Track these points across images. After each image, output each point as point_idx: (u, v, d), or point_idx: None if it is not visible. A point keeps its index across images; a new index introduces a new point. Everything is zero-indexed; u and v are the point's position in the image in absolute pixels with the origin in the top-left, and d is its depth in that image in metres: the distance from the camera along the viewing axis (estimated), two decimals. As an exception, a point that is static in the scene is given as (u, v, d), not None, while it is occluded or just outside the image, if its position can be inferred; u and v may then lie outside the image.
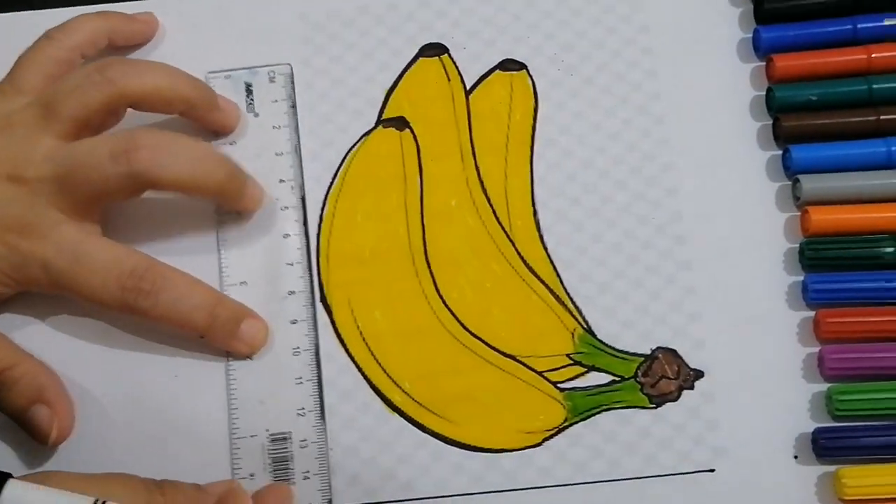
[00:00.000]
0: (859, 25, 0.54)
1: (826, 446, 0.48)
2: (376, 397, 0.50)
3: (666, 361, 0.50)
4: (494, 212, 0.53)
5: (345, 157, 0.54)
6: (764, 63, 0.55)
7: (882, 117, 0.53)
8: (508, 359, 0.50)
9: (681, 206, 0.53)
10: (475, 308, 0.51)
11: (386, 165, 0.54)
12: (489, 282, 0.52)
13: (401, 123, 0.54)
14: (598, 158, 0.54)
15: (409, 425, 0.50)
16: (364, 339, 0.51)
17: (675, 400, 0.50)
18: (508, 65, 0.56)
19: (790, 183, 0.53)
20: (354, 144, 0.54)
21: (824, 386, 0.50)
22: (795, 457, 0.49)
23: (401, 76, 0.55)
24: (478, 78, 0.55)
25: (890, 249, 0.51)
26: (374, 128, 0.54)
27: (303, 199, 0.53)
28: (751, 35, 0.56)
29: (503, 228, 0.53)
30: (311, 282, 0.52)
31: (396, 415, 0.50)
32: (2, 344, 0.49)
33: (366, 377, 0.50)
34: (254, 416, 0.50)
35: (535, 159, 0.54)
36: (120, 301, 0.48)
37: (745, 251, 0.52)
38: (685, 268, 0.52)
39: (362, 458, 0.49)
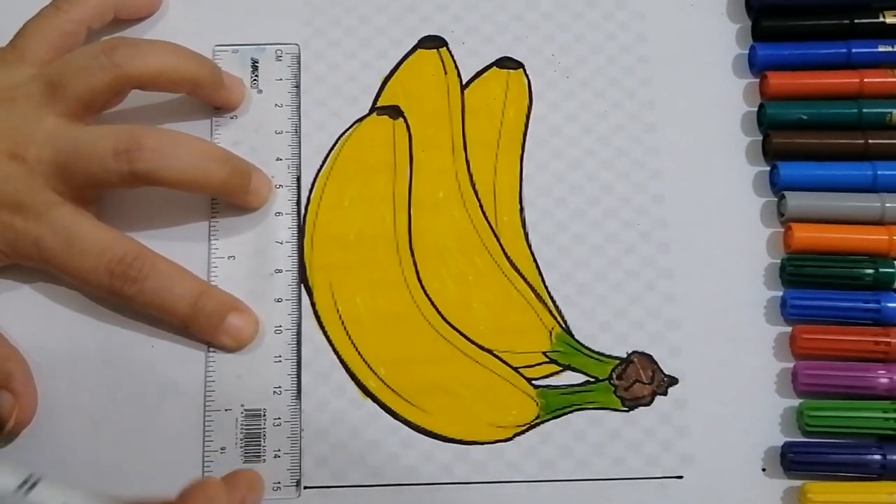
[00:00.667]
0: (854, 50, 0.54)
1: (794, 460, 0.47)
2: (351, 382, 0.49)
3: (641, 366, 0.49)
4: (481, 206, 0.52)
5: (336, 141, 0.53)
6: (758, 80, 0.55)
7: (870, 141, 0.53)
8: (485, 352, 0.49)
9: (666, 214, 0.52)
10: (455, 300, 0.50)
11: (377, 152, 0.53)
12: (471, 275, 0.51)
13: (395, 112, 0.53)
14: (587, 161, 0.53)
15: (382, 412, 0.49)
16: (343, 323, 0.50)
17: (648, 405, 0.49)
18: (506, 63, 0.55)
19: (776, 199, 0.52)
20: (347, 129, 0.53)
21: (796, 401, 0.49)
22: (763, 469, 0.48)
23: (398, 65, 0.54)
24: (474, 73, 0.55)
25: (869, 271, 0.50)
26: (368, 114, 0.53)
27: (298, 180, 0.52)
28: (747, 51, 0.55)
29: (489, 223, 0.52)
30: (300, 262, 0.51)
31: (370, 400, 0.49)
32: None
33: (342, 361, 0.49)
34: (230, 390, 0.49)
35: (526, 157, 0.53)
36: (107, 286, 0.48)
37: (727, 263, 0.51)
38: (666, 275, 0.51)
39: (333, 440, 0.48)
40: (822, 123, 0.53)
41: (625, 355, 0.50)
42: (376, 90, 0.54)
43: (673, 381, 0.49)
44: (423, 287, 0.50)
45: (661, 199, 0.52)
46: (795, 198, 0.51)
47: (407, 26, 0.55)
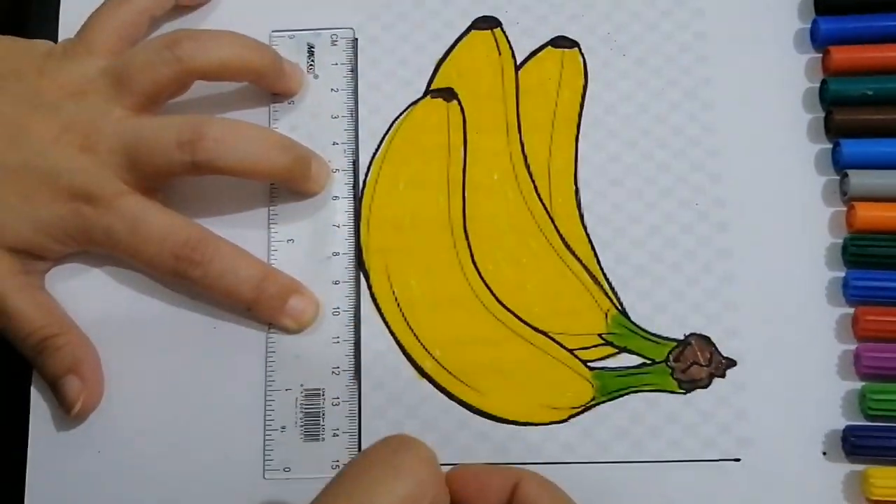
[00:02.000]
0: None
1: (856, 444, 0.44)
2: (407, 363, 0.47)
3: (699, 348, 0.47)
4: (536, 188, 0.50)
5: (391, 125, 0.51)
6: (820, 55, 0.51)
7: (931, 114, 0.49)
8: (540, 334, 0.47)
9: (724, 194, 0.49)
10: (510, 282, 0.48)
11: (431, 135, 0.50)
12: (526, 257, 0.48)
13: (449, 94, 0.51)
14: (643, 140, 0.50)
15: (438, 392, 0.47)
16: (399, 305, 0.48)
17: (706, 387, 0.46)
18: (560, 42, 0.52)
19: (838, 177, 0.49)
20: (402, 113, 0.51)
21: (858, 384, 0.46)
22: (824, 453, 0.45)
23: (452, 47, 0.52)
24: (528, 53, 0.52)
25: None
26: (423, 97, 0.51)
27: (354, 164, 0.51)
28: (809, 25, 0.52)
29: (543, 205, 0.49)
30: (357, 245, 0.49)
31: (425, 381, 0.47)
32: (52, 311, 0.48)
33: (398, 342, 0.47)
34: (289, 371, 0.47)
35: (581, 138, 0.50)
36: (172, 269, 0.48)
37: (787, 243, 0.48)
38: (725, 256, 0.48)
39: (389, 420, 0.46)
40: (888, 99, 0.50)
41: (682, 337, 0.47)
42: (430, 73, 0.52)
43: (731, 363, 0.46)
44: (477, 269, 0.48)
45: (719, 177, 0.49)
46: (859, 176, 0.48)
47: (460, 8, 0.53)
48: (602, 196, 0.49)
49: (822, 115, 0.50)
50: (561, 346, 0.47)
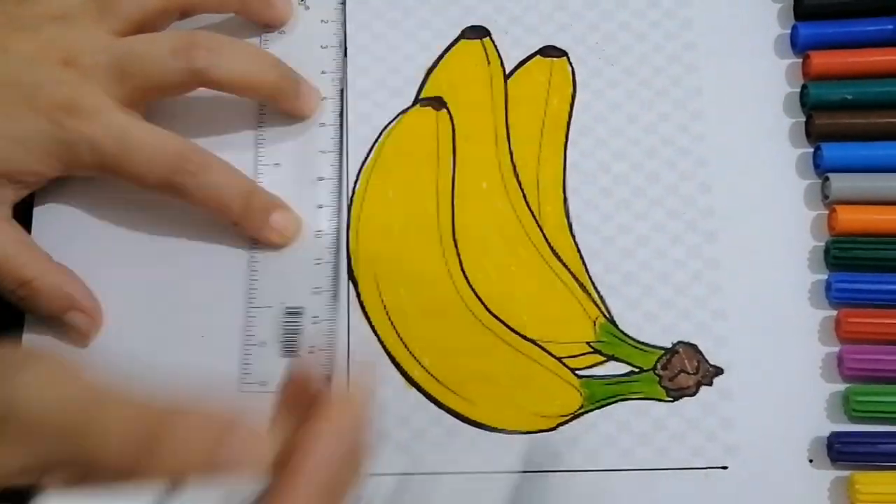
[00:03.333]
0: None
1: (841, 451, 0.43)
2: (396, 371, 0.45)
3: (686, 356, 0.45)
4: (525, 196, 0.47)
5: (381, 133, 0.48)
6: (801, 60, 0.49)
7: (917, 120, 0.47)
8: (529, 342, 0.45)
9: (713, 203, 0.47)
10: (499, 290, 0.46)
11: (420, 144, 0.48)
12: (514, 265, 0.46)
13: (438, 103, 0.48)
14: (632, 150, 0.48)
15: (427, 401, 0.44)
16: (388, 314, 0.45)
17: (693, 395, 0.44)
18: (549, 51, 0.49)
19: (820, 181, 0.47)
20: (391, 121, 0.48)
21: (843, 386, 0.44)
22: (810, 460, 0.43)
23: (441, 56, 0.49)
24: (518, 62, 0.49)
25: None
26: (412, 106, 0.48)
27: (341, 92, 0.49)
28: (789, 31, 0.49)
29: (532, 214, 0.47)
30: (340, 171, 0.47)
31: (414, 389, 0.44)
32: (27, 252, 0.45)
33: (387, 351, 0.45)
34: (271, 289, 0.45)
35: (570, 147, 0.48)
36: (166, 181, 0.44)
37: (771, 249, 0.46)
38: (713, 265, 0.46)
39: (378, 429, 0.43)
40: (867, 103, 0.48)
41: (669, 345, 0.45)
42: (420, 82, 0.49)
43: (718, 371, 0.44)
44: (466, 278, 0.46)
45: (708, 187, 0.47)
46: (840, 179, 0.46)
47: (450, 18, 0.50)
48: (591, 205, 0.47)
49: (804, 119, 0.48)
50: (549, 354, 0.45)
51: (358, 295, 0.46)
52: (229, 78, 0.45)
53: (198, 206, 0.45)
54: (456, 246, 0.46)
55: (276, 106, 0.48)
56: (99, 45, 0.44)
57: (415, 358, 0.45)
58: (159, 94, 0.46)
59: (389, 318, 0.45)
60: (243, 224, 0.46)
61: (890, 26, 0.48)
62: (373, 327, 0.45)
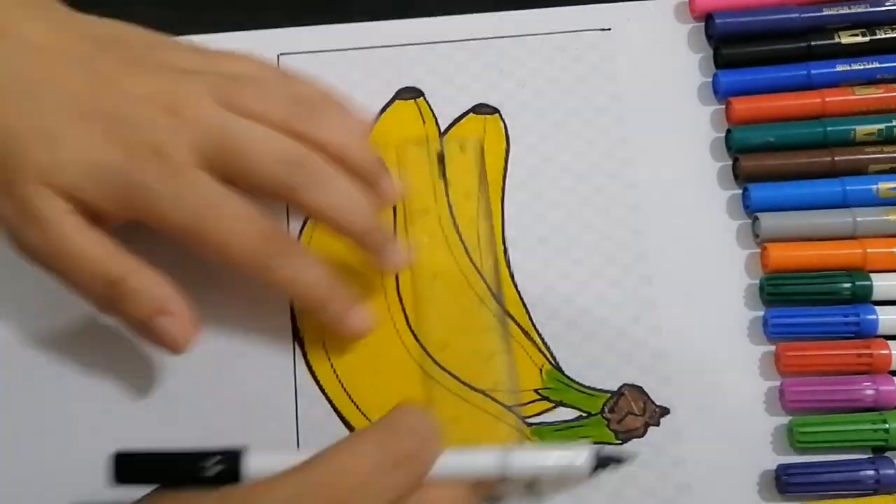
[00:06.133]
0: (813, 71, 0.47)
1: (789, 482, 0.40)
2: (345, 429, 0.41)
3: (632, 398, 0.42)
4: (466, 249, 0.44)
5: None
6: (723, 106, 0.47)
7: (836, 158, 0.45)
8: (477, 393, 0.42)
9: (647, 246, 0.45)
10: (445, 342, 0.43)
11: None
12: (459, 317, 0.43)
13: (375, 163, 0.46)
14: (566, 199, 0.45)
15: (379, 458, 0.41)
16: (335, 372, 0.42)
17: (641, 436, 0.41)
18: (482, 109, 0.47)
19: (750, 221, 0.45)
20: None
21: (786, 419, 0.41)
22: (760, 493, 0.40)
23: (377, 117, 0.47)
24: (452, 120, 0.47)
25: (847, 285, 0.43)
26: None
27: None
28: (710, 79, 0.48)
29: (474, 265, 0.44)
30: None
31: (366, 447, 0.41)
32: (115, 254, 0.39)
33: (335, 409, 0.41)
34: None
35: (507, 199, 0.46)
36: (257, 253, 0.39)
37: (707, 288, 0.44)
38: (650, 307, 0.43)
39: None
40: (789, 144, 0.46)
41: (615, 388, 0.42)
42: (358, 142, 0.46)
43: (665, 411, 0.42)
44: (412, 332, 0.43)
45: (641, 232, 0.45)
46: (768, 218, 0.44)
47: (384, 79, 0.48)
48: (530, 254, 0.45)
49: (730, 162, 0.46)
50: (499, 402, 0.42)
51: (304, 355, 0.43)
52: (317, 211, 0.40)
53: (277, 288, 0.40)
54: (401, 300, 0.43)
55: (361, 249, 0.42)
56: (208, 107, 0.39)
57: (363, 414, 0.42)
58: (247, 186, 0.40)
59: (337, 376, 0.42)
60: (324, 319, 0.41)
61: (803, 71, 0.47)
62: (320, 386, 0.42)
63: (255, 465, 0.34)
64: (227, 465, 0.34)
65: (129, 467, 0.35)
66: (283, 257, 0.40)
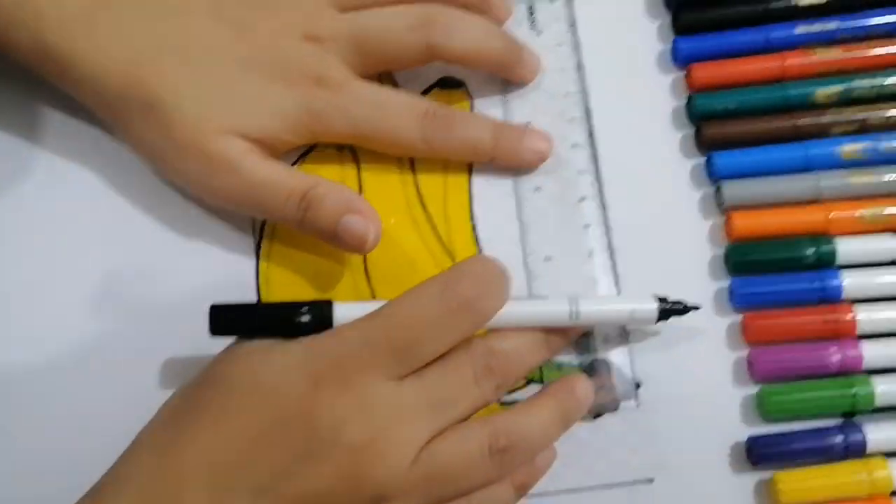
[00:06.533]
0: (772, 35, 0.46)
1: (759, 453, 0.40)
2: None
3: (604, 372, 0.41)
4: (434, 228, 0.44)
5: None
6: (683, 73, 0.46)
7: (798, 122, 0.45)
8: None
9: (612, 217, 0.44)
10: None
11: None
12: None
13: (342, 144, 0.44)
14: (533, 174, 0.45)
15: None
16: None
17: (613, 411, 0.41)
18: (447, 82, 0.46)
19: (713, 189, 0.44)
20: (296, 162, 0.44)
21: (755, 389, 0.41)
22: (731, 464, 0.41)
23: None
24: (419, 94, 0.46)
25: (811, 251, 0.43)
26: (314, 146, 0.45)
27: (587, 111, 0.46)
28: (669, 46, 0.47)
29: (443, 244, 0.43)
30: (600, 189, 0.44)
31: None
32: (294, 172, 0.42)
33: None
34: None
35: (474, 175, 0.45)
36: (420, 135, 0.43)
37: (673, 259, 0.44)
38: (616, 280, 0.43)
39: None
40: (751, 109, 0.45)
41: (587, 364, 0.42)
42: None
43: (637, 385, 0.41)
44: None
45: (606, 203, 0.44)
46: (732, 186, 0.44)
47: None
48: (499, 230, 0.44)
49: (693, 130, 0.45)
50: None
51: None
52: (463, 52, 0.44)
53: (452, 155, 0.44)
54: (369, 282, 0.43)
55: (503, 74, 0.46)
56: (336, 19, 0.43)
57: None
58: (394, 67, 0.46)
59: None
60: (499, 155, 0.44)
61: (763, 35, 0.46)
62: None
63: (341, 314, 0.37)
64: (318, 314, 0.37)
65: (224, 319, 0.37)
66: (447, 129, 0.43)
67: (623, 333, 0.42)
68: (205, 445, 0.35)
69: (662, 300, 0.40)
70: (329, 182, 0.41)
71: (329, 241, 0.41)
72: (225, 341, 0.38)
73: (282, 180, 0.41)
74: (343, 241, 0.40)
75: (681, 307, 0.40)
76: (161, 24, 0.42)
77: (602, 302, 0.40)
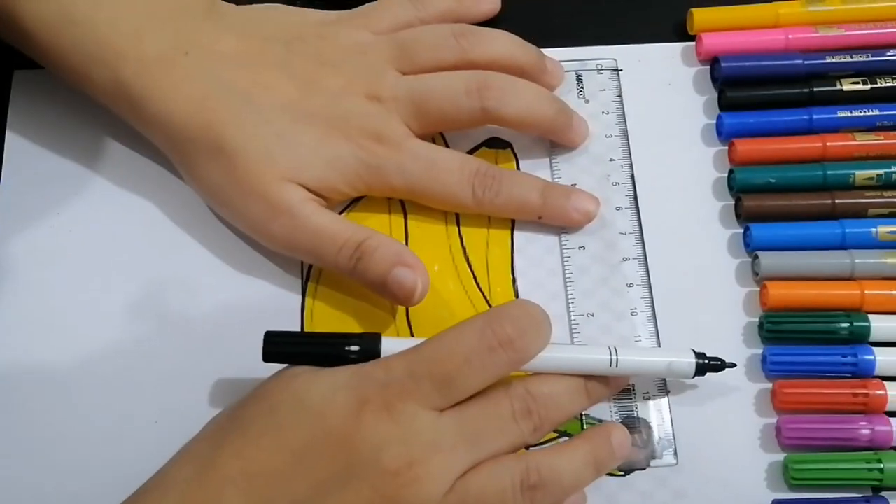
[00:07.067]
0: (815, 116, 0.48)
1: (784, 518, 0.40)
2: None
3: (635, 430, 0.42)
4: (475, 278, 0.45)
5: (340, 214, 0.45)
6: (726, 147, 0.48)
7: (837, 201, 0.46)
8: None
9: (653, 281, 0.45)
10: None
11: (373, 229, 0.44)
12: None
13: (389, 191, 0.46)
14: (575, 233, 0.46)
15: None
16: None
17: (644, 469, 0.41)
18: (494, 142, 0.48)
19: (750, 259, 0.45)
20: (347, 207, 0.46)
21: (781, 456, 0.42)
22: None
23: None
24: (466, 152, 0.47)
25: (845, 325, 0.43)
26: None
27: (632, 177, 0.47)
28: (714, 121, 0.48)
29: (483, 294, 0.44)
30: (643, 250, 0.45)
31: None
32: (349, 223, 0.43)
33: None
34: None
35: (516, 230, 0.46)
36: (470, 193, 0.45)
37: (708, 324, 0.44)
38: (658, 338, 0.44)
39: None
40: (790, 186, 0.46)
41: (619, 420, 0.42)
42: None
43: (667, 444, 0.42)
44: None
45: (649, 264, 0.45)
46: (768, 257, 0.44)
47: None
48: (538, 285, 0.45)
49: (732, 202, 0.46)
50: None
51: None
52: (517, 116, 0.45)
53: (500, 213, 0.46)
54: (410, 328, 0.44)
55: (553, 138, 0.48)
56: (396, 80, 0.45)
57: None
58: (450, 128, 0.47)
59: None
60: (547, 214, 0.46)
61: (805, 116, 0.47)
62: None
63: (388, 347, 0.38)
64: (367, 346, 0.38)
65: (277, 345, 0.39)
66: (495, 187, 0.45)
67: (662, 392, 0.43)
68: (247, 458, 0.36)
69: (700, 355, 0.41)
70: (381, 235, 0.43)
71: (378, 291, 0.42)
72: (273, 367, 0.39)
73: (337, 230, 0.43)
74: (392, 292, 0.42)
75: (718, 363, 0.41)
76: (234, 73, 0.44)
77: (642, 353, 0.41)
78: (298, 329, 0.44)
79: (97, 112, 0.46)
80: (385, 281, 0.41)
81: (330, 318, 0.44)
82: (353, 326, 0.44)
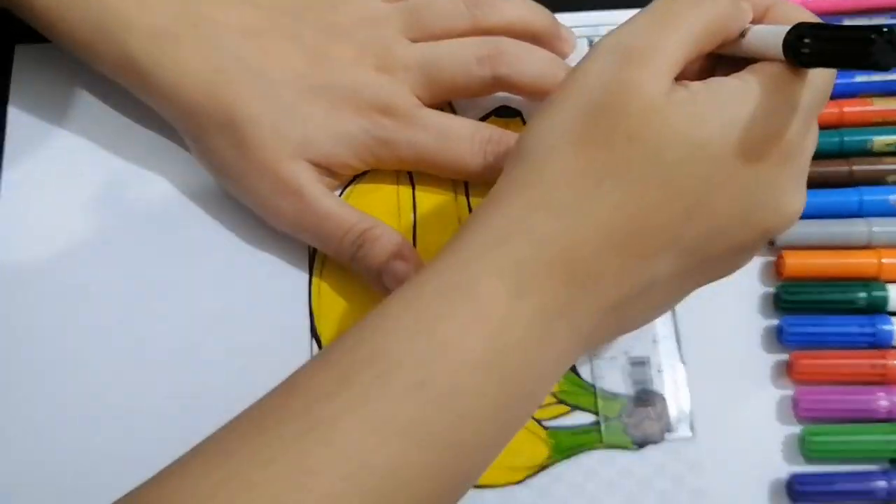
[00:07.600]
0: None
1: (800, 491, 0.39)
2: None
3: (650, 403, 0.41)
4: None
5: (342, 191, 0.44)
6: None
7: (854, 168, 0.44)
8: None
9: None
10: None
11: (381, 200, 0.44)
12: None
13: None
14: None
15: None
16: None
17: (658, 441, 0.40)
18: (504, 111, 0.46)
19: (766, 228, 0.44)
20: (353, 181, 0.44)
21: (798, 428, 0.41)
22: (771, 501, 0.40)
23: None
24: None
25: (863, 295, 0.42)
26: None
27: None
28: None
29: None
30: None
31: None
32: (354, 209, 0.42)
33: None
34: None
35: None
36: (482, 161, 0.43)
37: (724, 295, 0.43)
38: (667, 313, 0.42)
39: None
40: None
41: (633, 393, 0.41)
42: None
43: (681, 416, 0.41)
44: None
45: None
46: (785, 222, 0.43)
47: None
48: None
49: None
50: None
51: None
52: (530, 83, 0.44)
53: None
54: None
55: None
56: (407, 50, 0.44)
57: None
58: (461, 96, 0.46)
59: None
60: None
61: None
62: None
63: None
64: None
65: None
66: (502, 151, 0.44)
67: (678, 364, 0.42)
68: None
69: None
70: (386, 226, 0.42)
71: (374, 280, 0.41)
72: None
73: (344, 215, 0.42)
74: (386, 284, 0.41)
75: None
76: (242, 43, 0.42)
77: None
78: (307, 311, 0.43)
79: (101, 86, 0.45)
80: (381, 272, 0.41)
81: (337, 303, 0.43)
82: (363, 309, 0.42)
